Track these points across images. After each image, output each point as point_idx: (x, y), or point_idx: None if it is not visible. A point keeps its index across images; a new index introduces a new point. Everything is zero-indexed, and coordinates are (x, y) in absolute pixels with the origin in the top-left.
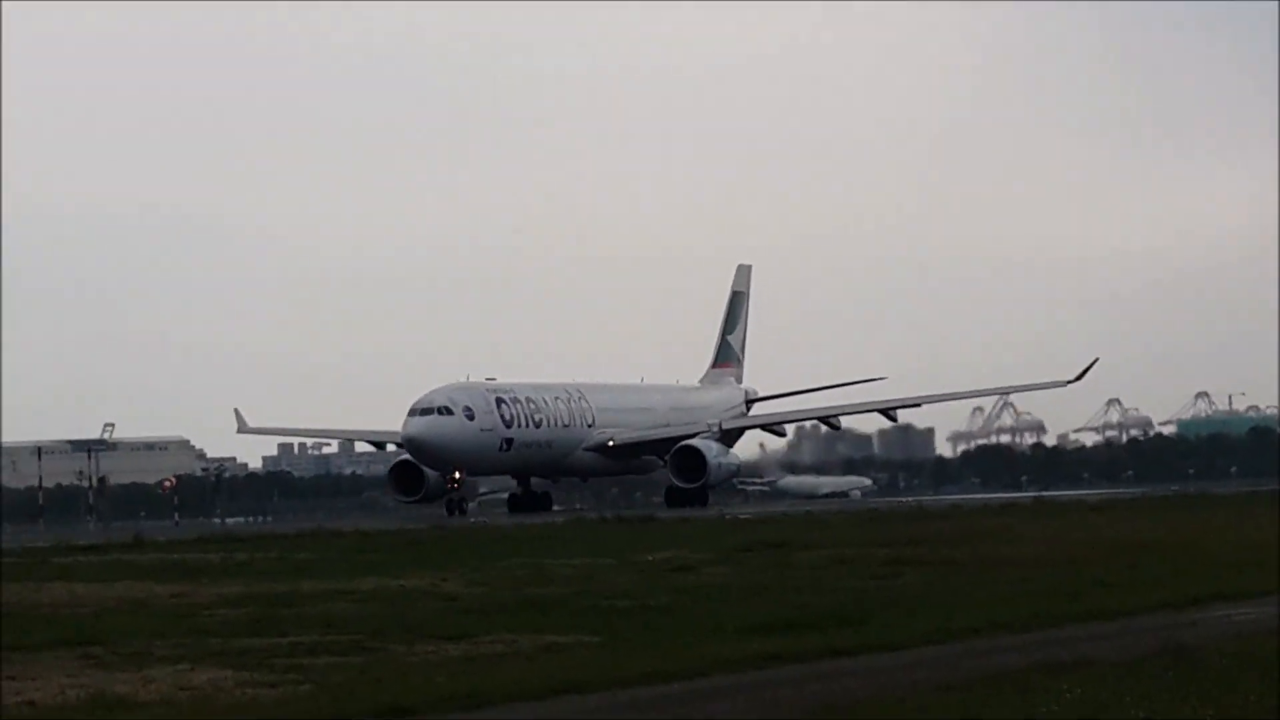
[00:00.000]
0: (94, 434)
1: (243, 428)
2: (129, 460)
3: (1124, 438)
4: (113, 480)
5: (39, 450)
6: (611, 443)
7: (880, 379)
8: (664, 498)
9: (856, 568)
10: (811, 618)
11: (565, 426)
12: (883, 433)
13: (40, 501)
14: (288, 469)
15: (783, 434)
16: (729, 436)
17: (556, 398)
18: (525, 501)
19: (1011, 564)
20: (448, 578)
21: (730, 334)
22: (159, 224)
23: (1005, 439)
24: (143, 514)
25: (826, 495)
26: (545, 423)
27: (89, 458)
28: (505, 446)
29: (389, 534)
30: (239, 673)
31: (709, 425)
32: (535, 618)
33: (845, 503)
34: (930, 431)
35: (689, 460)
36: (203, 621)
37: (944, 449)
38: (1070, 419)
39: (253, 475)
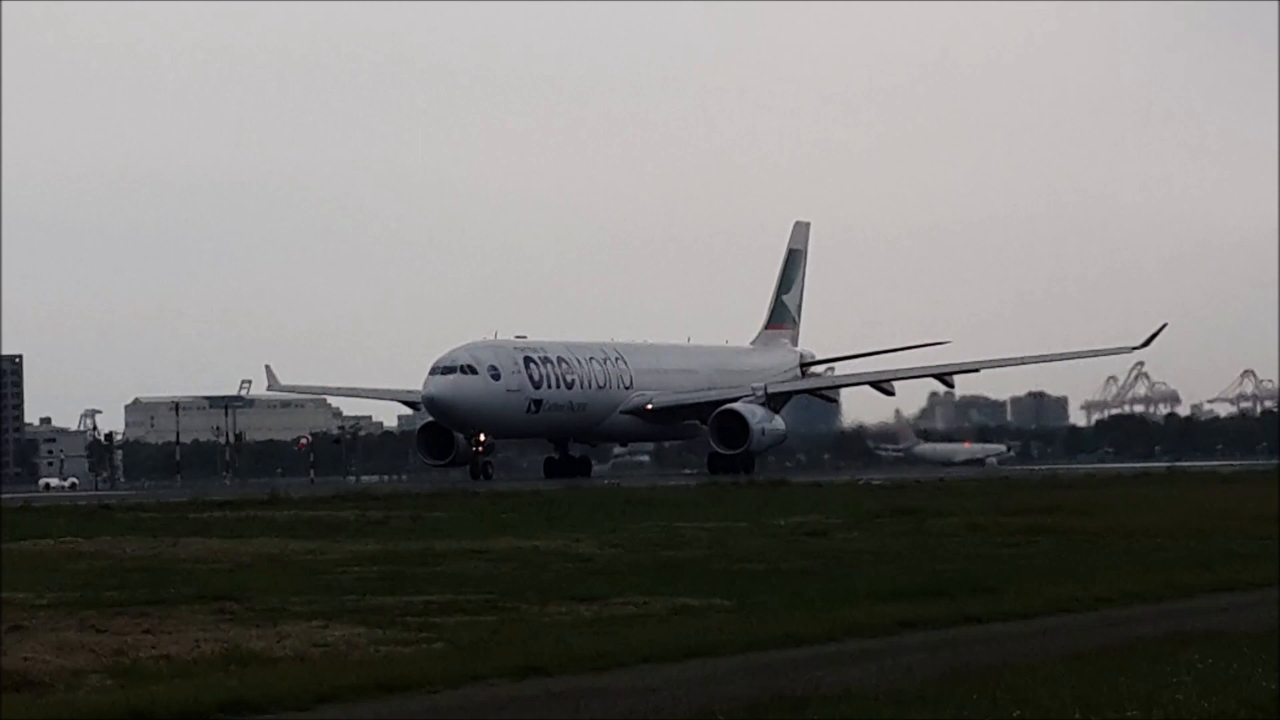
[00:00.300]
0: (231, 390)
1: (273, 385)
2: (265, 417)
3: (1258, 409)
4: (249, 437)
5: (176, 406)
6: (650, 406)
7: (944, 343)
8: (706, 464)
9: (989, 535)
10: (943, 584)
11: (600, 388)
12: (1015, 400)
13: (177, 457)
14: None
15: (834, 399)
16: (776, 400)
17: (591, 358)
18: (562, 466)
19: (1144, 534)
20: (581, 539)
21: (786, 294)
22: (296, 188)
23: (1139, 409)
24: (279, 471)
25: (962, 462)
26: (579, 384)
27: (226, 414)
28: (534, 408)
29: (523, 494)
30: (372, 630)
31: (754, 389)
32: (668, 580)
33: (978, 470)
34: (1064, 400)
35: (730, 425)
36: (337, 578)
37: (1077, 418)
38: (1205, 389)
39: (388, 434)
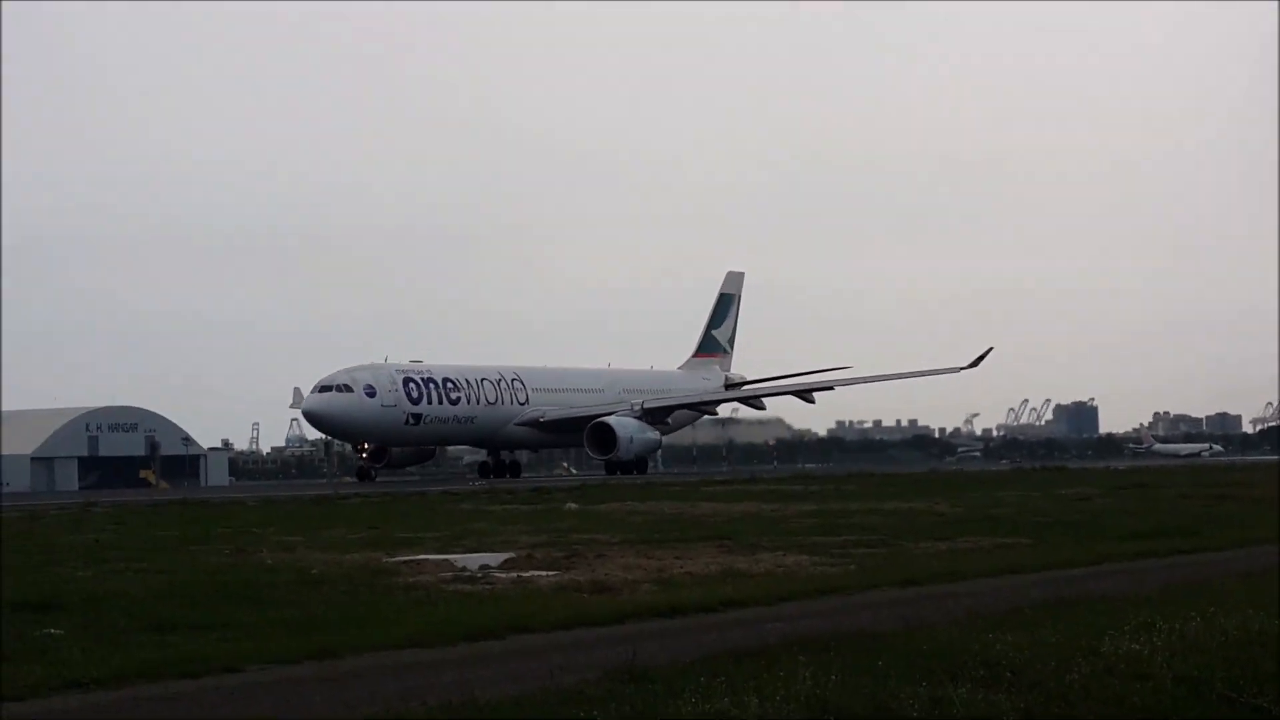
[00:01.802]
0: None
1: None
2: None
3: None
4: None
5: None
6: (541, 419)
7: (845, 368)
8: (604, 468)
9: (1194, 500)
10: (1163, 529)
11: (491, 404)
12: (1209, 418)
13: (694, 453)
14: (840, 435)
15: (713, 412)
16: (655, 414)
17: (484, 379)
18: (495, 468)
19: None
20: (939, 503)
21: (716, 329)
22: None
23: None
24: (755, 461)
25: (1184, 456)
26: (465, 400)
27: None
28: (413, 421)
29: (900, 476)
30: (812, 557)
31: (632, 405)
32: (992, 528)
33: (1195, 461)
34: (1239, 417)
35: (601, 435)
36: (790, 526)
37: (1247, 428)
38: None
39: (821, 439)
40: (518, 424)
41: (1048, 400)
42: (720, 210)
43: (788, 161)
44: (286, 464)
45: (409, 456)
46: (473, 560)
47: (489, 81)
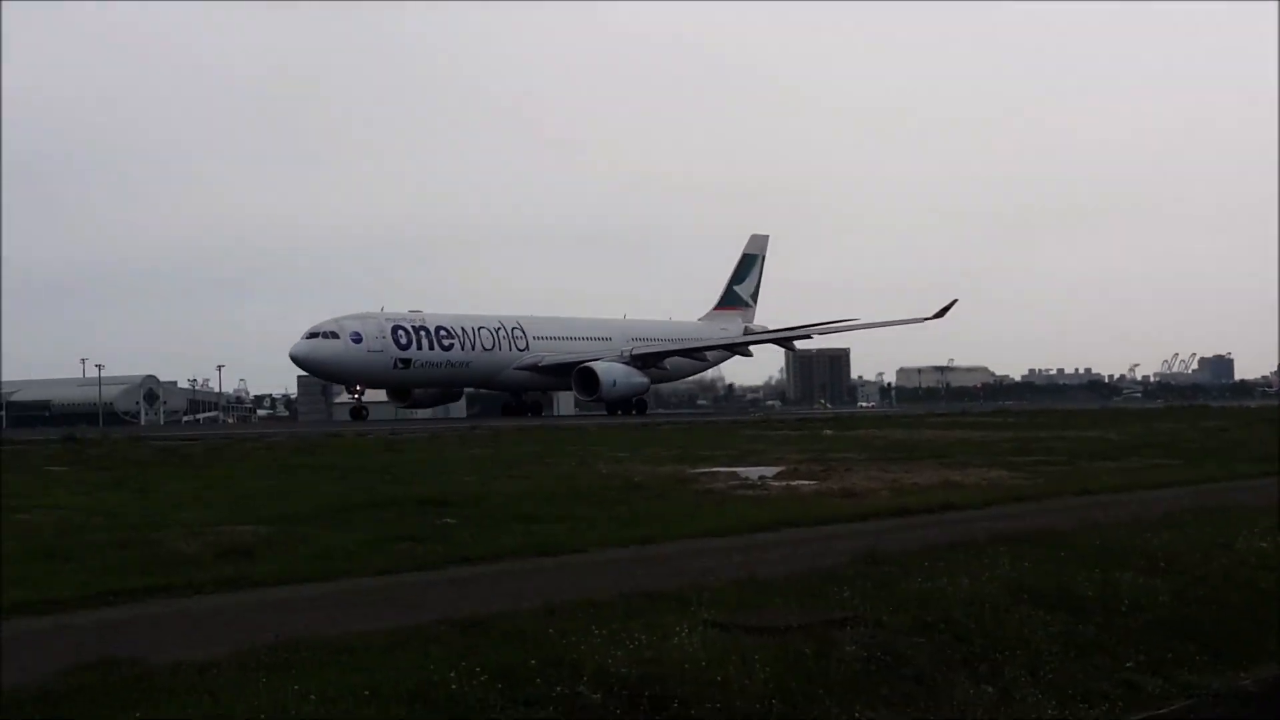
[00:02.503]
0: None
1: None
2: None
3: None
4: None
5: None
6: (540, 364)
7: (852, 320)
8: (605, 410)
9: None
10: None
11: (489, 350)
12: None
13: (920, 392)
14: (1031, 380)
15: (702, 359)
16: (645, 360)
17: (481, 327)
18: (516, 408)
19: None
20: (1109, 432)
21: (738, 284)
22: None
23: None
24: (966, 399)
25: None
26: (459, 346)
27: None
28: (402, 365)
29: (1078, 412)
30: (1010, 472)
31: (622, 351)
32: (1151, 452)
33: None
34: None
35: (586, 378)
36: (993, 449)
37: None
38: None
39: (1016, 384)
40: (517, 368)
41: (1194, 354)
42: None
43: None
44: None
45: (433, 397)
46: (753, 472)
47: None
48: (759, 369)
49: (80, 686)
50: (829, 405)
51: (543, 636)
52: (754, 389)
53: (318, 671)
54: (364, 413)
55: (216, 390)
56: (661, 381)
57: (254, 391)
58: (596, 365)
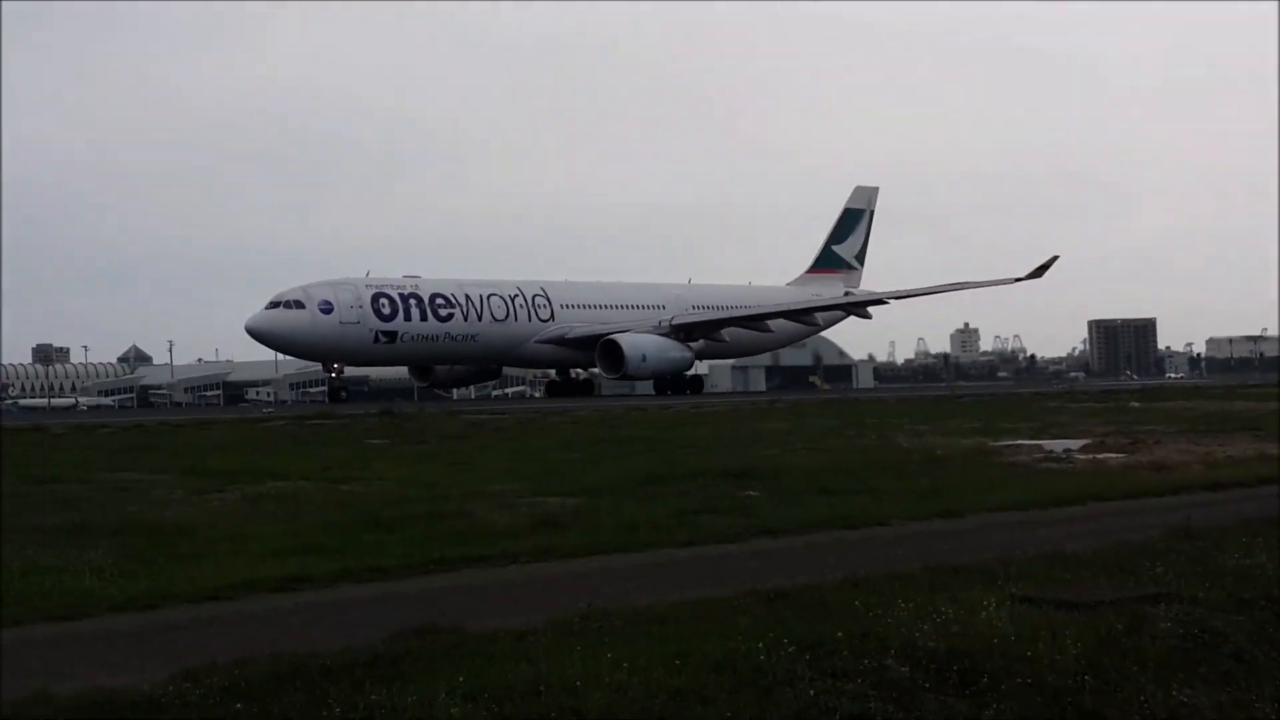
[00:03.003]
0: None
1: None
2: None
3: None
4: None
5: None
6: (567, 335)
7: (975, 283)
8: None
9: None
10: None
11: (500, 320)
12: None
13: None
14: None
15: (763, 328)
16: (685, 331)
17: (492, 294)
18: (563, 387)
19: None
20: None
21: (837, 244)
22: None
23: None
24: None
25: None
26: (463, 317)
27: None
28: (385, 339)
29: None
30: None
31: (661, 321)
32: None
33: None
34: None
35: (610, 351)
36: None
37: None
38: None
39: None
40: (540, 341)
41: None
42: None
43: None
44: (915, 371)
45: (463, 376)
46: (1057, 445)
47: None
48: (1062, 341)
49: (406, 651)
50: (1135, 376)
51: (848, 609)
52: (1056, 361)
53: (629, 640)
54: (342, 394)
55: None
56: (720, 356)
57: None
58: (622, 337)
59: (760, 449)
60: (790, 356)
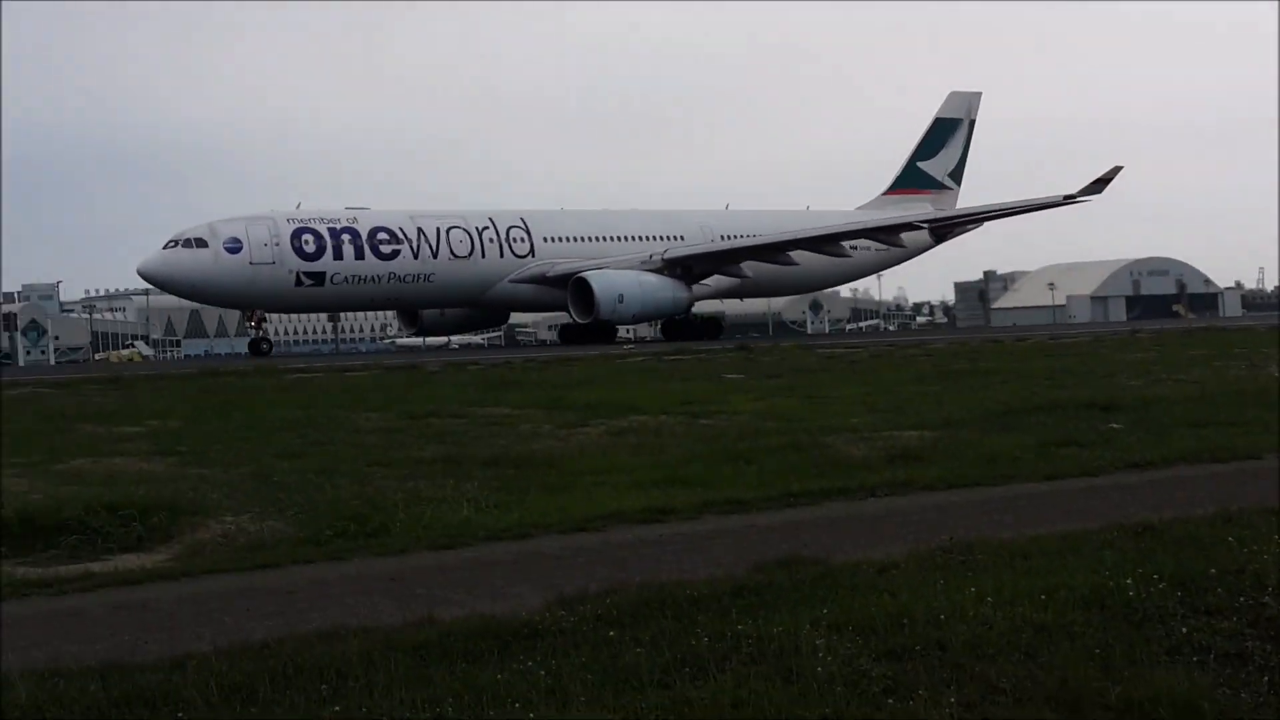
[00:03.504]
0: None
1: None
2: None
3: None
4: None
5: None
6: (549, 274)
7: (1068, 199)
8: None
9: None
10: None
11: (461, 257)
12: None
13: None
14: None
15: (786, 261)
16: (681, 266)
17: (453, 228)
18: (577, 332)
19: None
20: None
21: (924, 160)
22: None
23: None
24: None
25: None
26: (413, 254)
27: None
28: (310, 281)
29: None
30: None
31: (652, 255)
32: None
33: None
34: None
35: (579, 292)
36: None
37: None
38: None
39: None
40: (515, 280)
41: None
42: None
43: None
44: None
45: (455, 321)
46: None
47: None
48: None
49: (770, 582)
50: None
51: (1221, 544)
52: None
53: (992, 573)
54: (265, 346)
55: (876, 299)
56: (749, 295)
57: (912, 299)
58: (594, 274)
59: (1124, 380)
60: (1152, 285)
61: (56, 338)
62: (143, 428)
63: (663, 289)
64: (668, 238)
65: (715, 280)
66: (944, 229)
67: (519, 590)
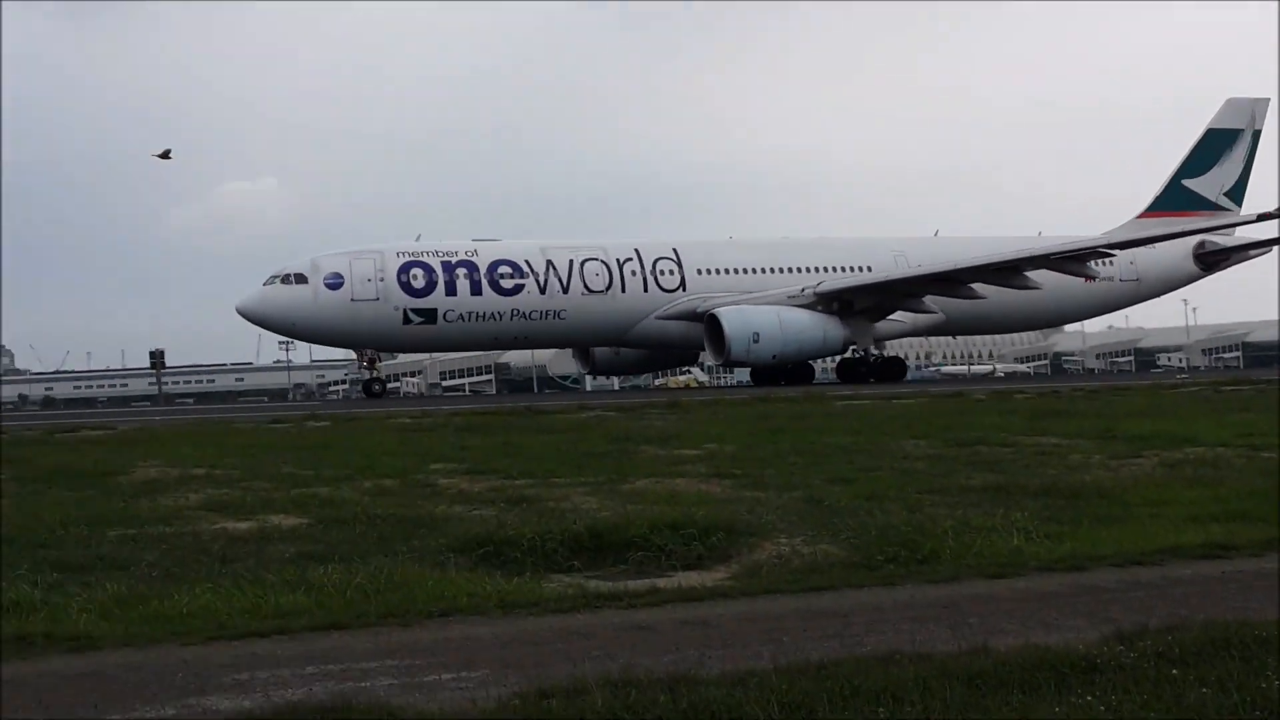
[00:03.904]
0: None
1: None
2: None
3: None
4: None
5: None
6: (699, 309)
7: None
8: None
9: None
10: None
11: (598, 292)
12: None
13: None
14: None
15: (968, 294)
16: (836, 300)
17: (588, 260)
18: (767, 374)
19: None
20: None
21: (1191, 177)
22: None
23: None
24: None
25: None
26: (539, 288)
27: None
28: (419, 318)
29: None
30: None
31: (804, 289)
32: None
33: None
34: None
35: (711, 330)
36: None
37: None
38: None
39: None
40: (663, 317)
41: None
42: None
43: None
44: None
45: (628, 361)
46: None
47: None
48: None
49: None
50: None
51: None
52: None
53: None
54: (377, 388)
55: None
56: (958, 332)
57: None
58: (726, 310)
59: None
60: None
61: None
62: (700, 451)
63: (810, 327)
64: (851, 269)
65: (909, 317)
66: (1215, 257)
67: (1074, 623)
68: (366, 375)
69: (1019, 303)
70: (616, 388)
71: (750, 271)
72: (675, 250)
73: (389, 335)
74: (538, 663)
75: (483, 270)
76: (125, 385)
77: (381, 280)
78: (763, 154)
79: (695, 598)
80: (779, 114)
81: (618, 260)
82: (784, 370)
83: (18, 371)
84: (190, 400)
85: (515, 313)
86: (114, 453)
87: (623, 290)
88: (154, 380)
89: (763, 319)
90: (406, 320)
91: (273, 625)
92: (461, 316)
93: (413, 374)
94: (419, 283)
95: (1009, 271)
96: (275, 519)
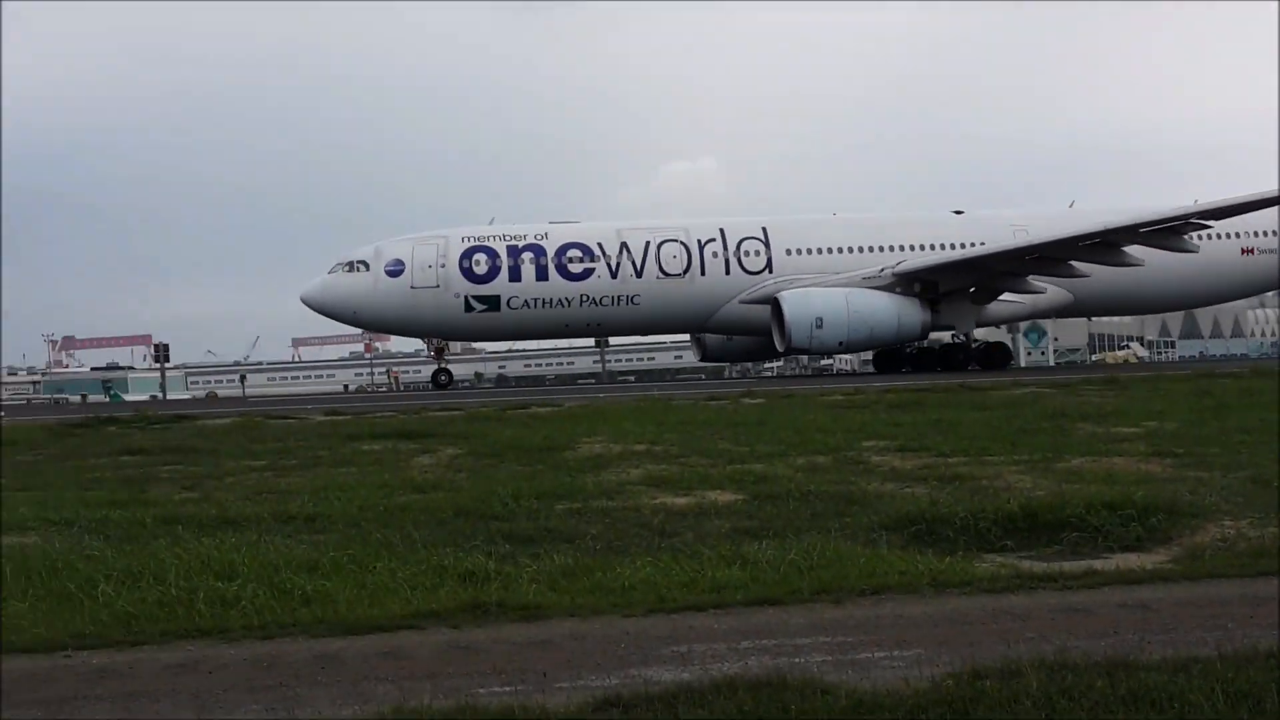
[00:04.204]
0: None
1: None
2: None
3: None
4: None
5: None
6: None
7: None
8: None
9: None
10: None
11: (675, 275)
12: None
13: None
14: None
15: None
16: (915, 281)
17: (665, 241)
18: (896, 359)
19: None
20: None
21: None
22: None
23: None
24: None
25: None
26: (611, 272)
27: None
28: (483, 306)
29: None
30: None
31: (882, 269)
32: None
33: None
34: None
35: (778, 315)
36: None
37: None
38: None
39: None
40: (746, 301)
41: None
42: None
43: None
44: None
45: (740, 347)
46: None
47: None
48: None
49: None
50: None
51: None
52: None
53: None
54: (443, 378)
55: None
56: (1086, 314)
57: None
58: (788, 293)
59: None
60: None
61: (1056, 339)
62: (1140, 428)
63: (883, 310)
64: (959, 245)
65: (1028, 299)
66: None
67: None
68: (436, 362)
69: (1156, 280)
70: (731, 375)
71: (846, 251)
72: (764, 229)
73: (450, 323)
74: (970, 643)
75: (550, 254)
76: (571, 364)
77: (443, 266)
78: None
79: (1134, 580)
80: None
81: (699, 241)
82: (925, 355)
83: (473, 351)
84: (631, 378)
85: (585, 298)
86: (561, 429)
87: (702, 273)
88: (597, 359)
89: (828, 302)
90: (468, 308)
91: (709, 599)
92: (526, 303)
93: None
94: (481, 269)
95: (1105, 248)
96: (712, 494)
